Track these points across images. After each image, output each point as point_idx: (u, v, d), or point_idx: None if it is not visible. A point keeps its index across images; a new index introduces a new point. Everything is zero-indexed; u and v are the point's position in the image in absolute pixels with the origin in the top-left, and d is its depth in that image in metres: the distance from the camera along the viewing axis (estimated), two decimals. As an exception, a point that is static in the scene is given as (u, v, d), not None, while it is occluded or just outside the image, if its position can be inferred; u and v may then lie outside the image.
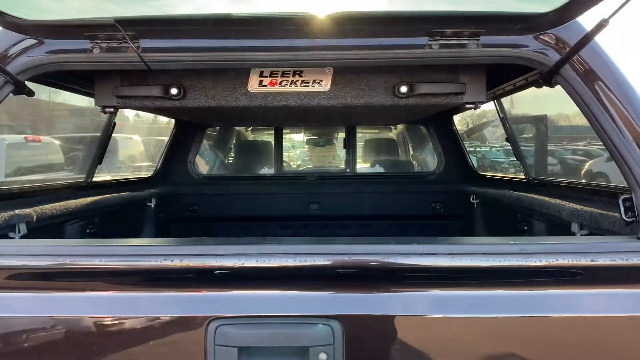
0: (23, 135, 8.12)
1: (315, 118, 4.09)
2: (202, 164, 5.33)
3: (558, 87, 2.12)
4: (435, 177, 4.99)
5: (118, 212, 3.84)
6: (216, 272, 1.78)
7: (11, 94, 2.11)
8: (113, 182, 4.24)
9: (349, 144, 5.12)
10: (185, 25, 2.13)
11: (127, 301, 1.75)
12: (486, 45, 2.09)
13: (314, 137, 7.32)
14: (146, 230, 4.41)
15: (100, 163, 3.88)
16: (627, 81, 2.00)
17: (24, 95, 2.21)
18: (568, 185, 3.18)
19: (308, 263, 1.71)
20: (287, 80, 2.52)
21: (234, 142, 6.11)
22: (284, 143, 5.41)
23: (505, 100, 3.91)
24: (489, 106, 4.11)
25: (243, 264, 1.72)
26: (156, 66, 2.19)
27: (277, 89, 2.54)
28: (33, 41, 2.11)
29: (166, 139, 4.97)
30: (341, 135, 5.86)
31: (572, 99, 2.05)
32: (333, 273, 1.79)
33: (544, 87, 2.25)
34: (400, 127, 6.06)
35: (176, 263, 1.73)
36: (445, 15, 2.07)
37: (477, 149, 12.00)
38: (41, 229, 2.73)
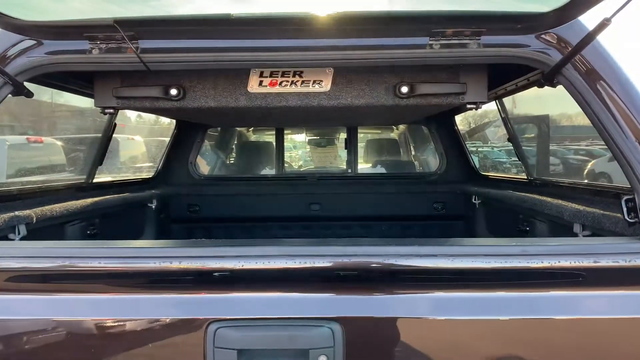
0: (25, 137, 8.13)
1: (315, 119, 4.08)
2: (203, 165, 5.32)
3: (560, 87, 2.11)
4: (437, 177, 4.97)
5: (119, 213, 3.83)
6: (216, 274, 1.77)
7: (10, 95, 2.11)
8: (114, 183, 4.22)
9: (350, 145, 5.11)
10: (184, 26, 2.12)
11: (127, 303, 1.75)
12: (487, 45, 2.07)
13: (315, 137, 7.32)
14: (147, 231, 4.40)
15: (100, 164, 3.87)
16: (630, 81, 1.98)
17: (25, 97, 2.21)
18: (570, 186, 3.17)
19: (308, 265, 1.71)
20: (287, 81, 2.51)
21: (235, 142, 6.11)
22: (285, 144, 5.41)
23: (507, 100, 3.90)
24: (491, 106, 4.09)
25: (242, 265, 1.71)
26: (155, 67, 2.18)
27: (277, 89, 2.53)
28: (32, 42, 2.10)
29: (168, 139, 4.97)
30: (342, 136, 5.85)
31: (574, 99, 2.04)
32: (333, 275, 1.78)
33: (546, 87, 2.23)
34: (401, 127, 6.05)
35: (176, 265, 1.72)
36: (446, 15, 2.06)
37: (479, 149, 11.99)
38: (41, 230, 2.72)
